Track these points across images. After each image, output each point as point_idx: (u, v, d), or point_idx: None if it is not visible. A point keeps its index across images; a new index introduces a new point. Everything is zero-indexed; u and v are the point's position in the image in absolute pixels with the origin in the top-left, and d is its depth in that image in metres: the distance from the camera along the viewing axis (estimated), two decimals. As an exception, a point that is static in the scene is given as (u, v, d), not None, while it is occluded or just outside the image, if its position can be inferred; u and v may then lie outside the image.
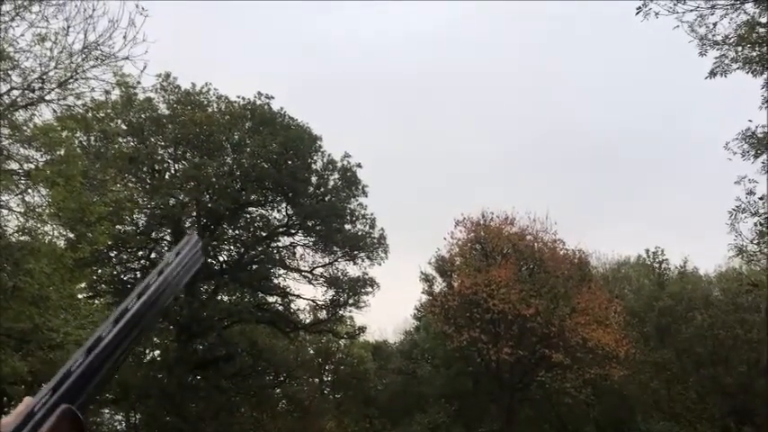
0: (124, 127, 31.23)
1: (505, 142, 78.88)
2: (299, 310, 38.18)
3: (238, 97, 34.51)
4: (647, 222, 68.60)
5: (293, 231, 36.64)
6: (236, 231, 36.30)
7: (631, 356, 35.32)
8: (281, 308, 37.49)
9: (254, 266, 36.19)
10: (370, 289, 36.39)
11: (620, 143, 78.90)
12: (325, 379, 46.09)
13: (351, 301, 36.67)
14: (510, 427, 35.80)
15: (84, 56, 16.97)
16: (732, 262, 41.57)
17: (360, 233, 36.22)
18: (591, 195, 73.93)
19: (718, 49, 17.88)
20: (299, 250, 36.94)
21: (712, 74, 18.02)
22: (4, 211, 17.83)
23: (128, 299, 1.40)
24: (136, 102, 31.49)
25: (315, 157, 35.40)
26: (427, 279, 38.34)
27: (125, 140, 31.96)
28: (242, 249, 36.09)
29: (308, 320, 39.04)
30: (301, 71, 73.53)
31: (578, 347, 33.76)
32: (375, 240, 36.29)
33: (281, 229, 36.48)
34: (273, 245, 37.17)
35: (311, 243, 36.72)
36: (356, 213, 36.25)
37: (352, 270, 36.71)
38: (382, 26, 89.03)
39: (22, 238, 17.95)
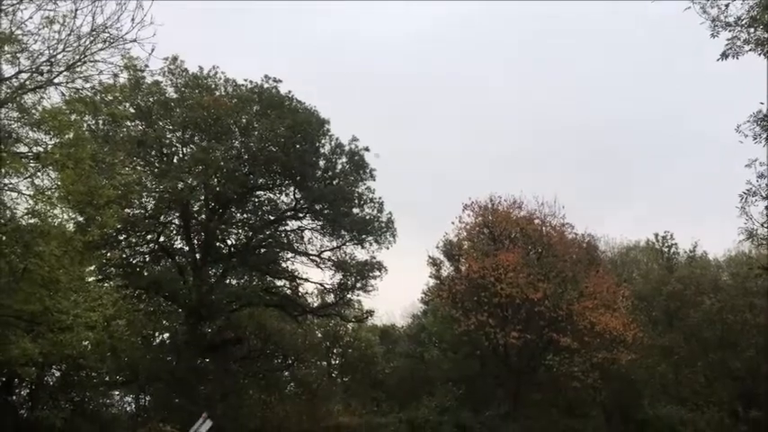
0: (132, 110, 31.15)
1: (508, 134, 79.04)
2: (306, 293, 38.24)
3: (246, 80, 34.38)
4: (650, 207, 68.83)
5: (301, 215, 36.61)
6: (245, 215, 36.28)
7: (639, 340, 35.26)
8: (289, 291, 37.52)
9: (263, 250, 36.21)
10: (377, 273, 36.32)
11: (620, 132, 79.11)
12: (333, 362, 46.27)
13: (358, 285, 36.63)
14: (517, 411, 35.90)
15: (92, 39, 16.93)
16: (742, 246, 41.43)
17: (368, 217, 36.13)
18: (594, 184, 74.14)
19: (729, 31, 17.64)
20: (307, 234, 36.97)
21: (724, 56, 17.78)
22: (14, 194, 17.92)
23: None
24: (144, 85, 31.45)
25: (323, 141, 35.24)
26: (435, 263, 38.36)
27: (133, 124, 31.94)
28: (250, 233, 36.09)
29: (315, 304, 39.07)
30: (301, 71, 73.67)
31: (586, 331, 33.72)
32: (383, 224, 36.18)
33: (288, 213, 36.45)
34: (281, 229, 37.17)
35: (319, 227, 36.68)
36: (364, 197, 36.15)
37: (360, 254, 36.67)
38: (382, 26, 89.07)
39: (31, 221, 18.06)
